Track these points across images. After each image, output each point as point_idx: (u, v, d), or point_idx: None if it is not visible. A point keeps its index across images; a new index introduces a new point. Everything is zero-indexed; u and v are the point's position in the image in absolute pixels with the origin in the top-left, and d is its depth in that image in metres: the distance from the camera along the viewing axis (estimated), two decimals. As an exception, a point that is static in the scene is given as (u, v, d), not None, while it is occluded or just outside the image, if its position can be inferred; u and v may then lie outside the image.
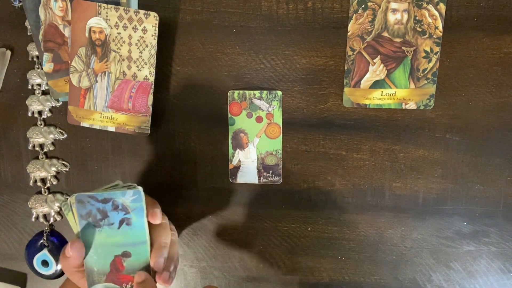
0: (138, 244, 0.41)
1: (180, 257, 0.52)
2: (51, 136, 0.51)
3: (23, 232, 0.54)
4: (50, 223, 0.53)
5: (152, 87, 0.46)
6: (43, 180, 0.52)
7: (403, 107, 0.46)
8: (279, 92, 0.47)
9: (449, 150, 0.47)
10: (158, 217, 0.41)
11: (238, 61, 0.47)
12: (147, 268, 0.41)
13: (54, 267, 0.52)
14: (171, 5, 0.47)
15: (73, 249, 0.39)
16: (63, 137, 0.51)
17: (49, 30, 0.47)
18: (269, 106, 0.47)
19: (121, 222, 0.40)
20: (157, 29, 0.45)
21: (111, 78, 0.46)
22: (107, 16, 0.45)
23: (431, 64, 0.45)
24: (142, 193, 0.40)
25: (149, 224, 0.42)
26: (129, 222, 0.40)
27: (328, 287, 0.51)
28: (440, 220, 0.48)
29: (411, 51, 0.44)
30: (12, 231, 0.54)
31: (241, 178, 0.49)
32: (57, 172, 0.52)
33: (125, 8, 0.45)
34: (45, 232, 0.52)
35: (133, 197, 0.40)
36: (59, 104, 0.50)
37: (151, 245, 0.41)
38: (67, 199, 0.40)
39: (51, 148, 0.51)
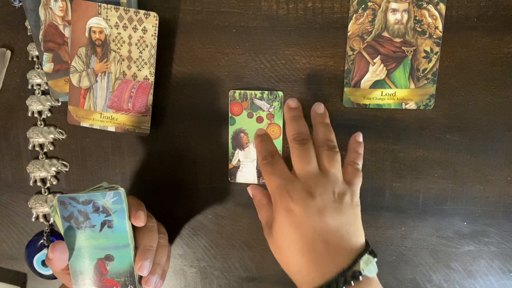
0: (121, 248, 0.39)
1: (180, 257, 0.52)
2: (51, 136, 0.51)
3: (23, 232, 0.53)
4: (50, 223, 0.53)
5: (152, 87, 0.46)
6: (43, 180, 0.52)
7: (403, 107, 0.46)
8: (280, 93, 0.47)
9: (449, 150, 0.47)
10: (142, 219, 0.40)
11: (238, 61, 0.47)
12: (132, 273, 0.40)
13: (54, 267, 0.52)
14: (171, 5, 0.47)
15: (55, 251, 0.38)
16: (63, 137, 0.51)
17: (49, 30, 0.47)
18: (269, 106, 0.47)
19: (103, 225, 0.39)
20: (157, 29, 0.45)
21: (111, 78, 0.46)
22: (107, 16, 0.45)
23: (431, 64, 0.45)
24: (123, 195, 0.39)
25: (135, 227, 0.40)
26: (111, 225, 0.39)
27: (328, 287, 0.51)
28: (440, 220, 0.48)
29: (411, 51, 0.44)
30: (12, 231, 0.54)
31: (241, 178, 0.49)
32: (57, 172, 0.52)
33: (125, 8, 0.45)
34: (45, 232, 0.52)
35: (113, 199, 0.39)
36: (59, 104, 0.50)
37: (136, 248, 0.40)
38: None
39: (51, 148, 0.51)
